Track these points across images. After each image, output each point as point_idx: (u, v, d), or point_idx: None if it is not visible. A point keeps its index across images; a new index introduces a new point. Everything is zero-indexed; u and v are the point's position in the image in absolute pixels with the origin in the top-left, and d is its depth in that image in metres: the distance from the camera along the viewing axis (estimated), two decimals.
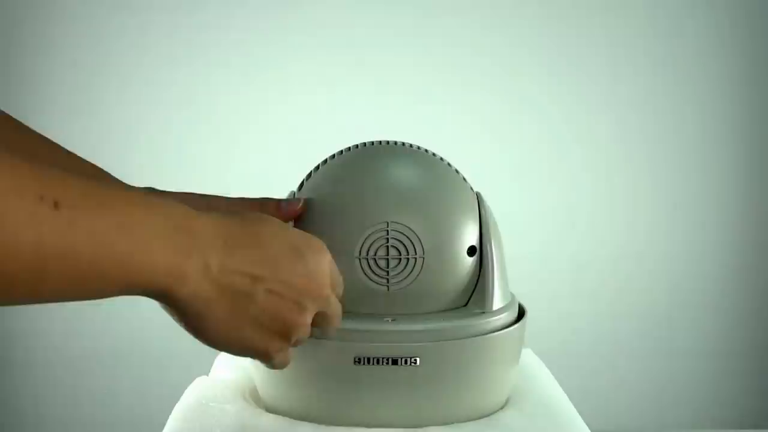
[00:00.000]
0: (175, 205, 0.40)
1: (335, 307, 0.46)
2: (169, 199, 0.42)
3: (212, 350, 0.59)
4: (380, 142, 0.56)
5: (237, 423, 0.52)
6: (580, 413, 0.56)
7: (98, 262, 0.34)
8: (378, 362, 0.49)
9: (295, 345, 0.45)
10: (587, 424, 0.55)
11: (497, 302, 0.54)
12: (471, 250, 0.54)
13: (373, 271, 0.52)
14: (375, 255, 0.52)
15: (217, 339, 0.41)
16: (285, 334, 0.43)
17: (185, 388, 0.59)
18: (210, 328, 0.41)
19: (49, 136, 0.51)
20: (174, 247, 0.38)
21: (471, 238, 0.54)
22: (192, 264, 0.39)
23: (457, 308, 0.54)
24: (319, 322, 0.46)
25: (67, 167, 0.43)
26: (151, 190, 0.51)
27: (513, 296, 0.57)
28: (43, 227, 0.32)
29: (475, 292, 0.54)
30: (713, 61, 1.24)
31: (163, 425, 0.53)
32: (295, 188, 0.56)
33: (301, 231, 0.47)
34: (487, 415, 0.53)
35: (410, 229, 0.52)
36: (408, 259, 0.52)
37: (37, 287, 0.33)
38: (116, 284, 0.36)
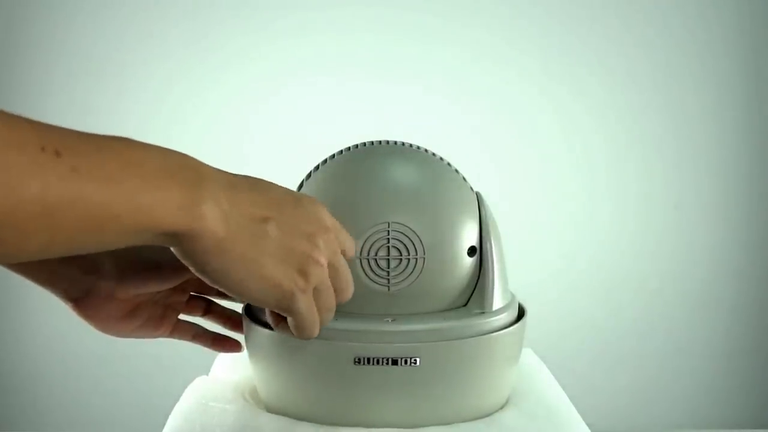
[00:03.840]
0: (171, 149, 0.39)
1: (343, 262, 0.46)
2: None
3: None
4: (380, 142, 0.56)
5: (237, 423, 0.52)
6: (580, 413, 0.56)
7: (109, 205, 0.34)
8: (378, 362, 0.49)
9: (316, 300, 0.45)
10: (587, 424, 0.55)
11: (497, 302, 0.54)
12: (471, 250, 0.54)
13: (373, 272, 0.52)
14: (376, 255, 0.52)
15: (239, 280, 0.41)
16: (303, 270, 0.43)
17: (185, 388, 0.59)
18: (233, 268, 0.40)
19: None
20: (183, 182, 0.37)
21: (471, 238, 0.54)
22: (205, 200, 0.38)
23: (457, 308, 0.54)
24: (332, 278, 0.46)
25: None
26: None
27: (513, 296, 0.57)
28: (47, 176, 0.32)
29: (475, 292, 0.54)
30: (714, 61, 1.24)
31: (163, 425, 0.53)
32: (294, 188, 0.56)
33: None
34: (487, 415, 0.53)
35: (411, 229, 0.52)
36: (409, 259, 0.52)
37: (50, 238, 0.33)
38: (131, 227, 0.36)
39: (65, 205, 0.33)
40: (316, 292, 0.44)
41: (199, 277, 0.41)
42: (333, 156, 0.56)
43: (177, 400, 0.57)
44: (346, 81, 1.21)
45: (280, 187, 0.45)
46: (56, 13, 1.19)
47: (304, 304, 0.44)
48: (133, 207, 0.35)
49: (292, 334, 0.46)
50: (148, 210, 0.36)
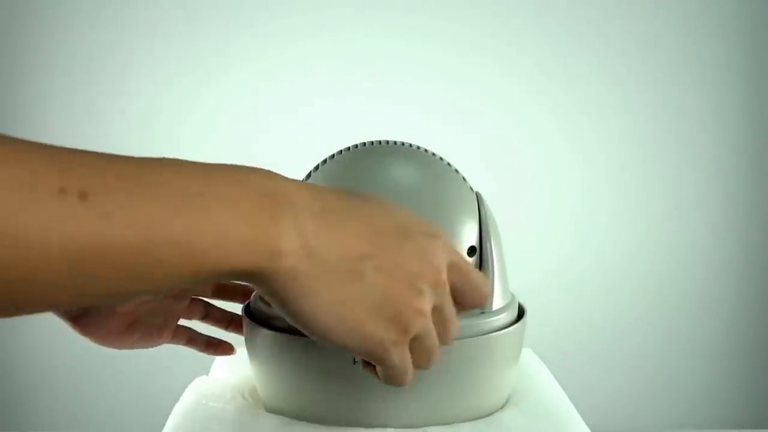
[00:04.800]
0: (253, 170, 0.33)
1: (451, 308, 0.39)
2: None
3: None
4: (380, 142, 0.56)
5: (237, 423, 0.52)
6: (580, 413, 0.56)
7: (152, 251, 0.29)
8: None
9: (415, 349, 0.38)
10: (587, 424, 0.55)
11: (497, 302, 0.54)
12: (471, 250, 0.53)
13: None
14: None
15: (326, 325, 0.35)
16: (401, 322, 0.36)
17: (185, 388, 0.59)
18: (316, 312, 0.34)
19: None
20: (254, 213, 0.31)
21: (471, 238, 0.54)
22: (284, 233, 0.32)
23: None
24: (435, 323, 0.39)
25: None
26: None
27: (513, 296, 0.57)
28: (69, 224, 0.27)
29: None
30: (714, 60, 1.24)
31: (162, 425, 0.53)
32: None
33: (411, 213, 0.40)
34: (487, 415, 0.53)
35: None
36: None
37: (83, 291, 0.29)
38: (185, 273, 0.30)
39: (95, 256, 0.28)
40: (415, 340, 0.38)
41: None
42: (333, 156, 0.56)
43: (177, 400, 0.57)
44: (346, 81, 1.21)
45: (392, 214, 0.38)
46: (56, 13, 1.19)
47: (398, 357, 0.37)
48: (184, 251, 0.30)
49: (379, 377, 0.41)
50: (203, 252, 0.30)
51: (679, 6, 1.23)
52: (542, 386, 0.60)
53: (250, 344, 0.55)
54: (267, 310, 0.52)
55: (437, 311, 0.38)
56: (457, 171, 0.56)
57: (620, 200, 1.25)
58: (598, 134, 1.24)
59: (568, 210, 1.25)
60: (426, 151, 0.56)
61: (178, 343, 0.58)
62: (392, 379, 0.39)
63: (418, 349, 0.38)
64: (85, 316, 0.49)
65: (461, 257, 0.40)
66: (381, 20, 1.21)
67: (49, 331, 1.22)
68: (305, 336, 0.48)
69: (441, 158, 0.56)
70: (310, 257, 0.33)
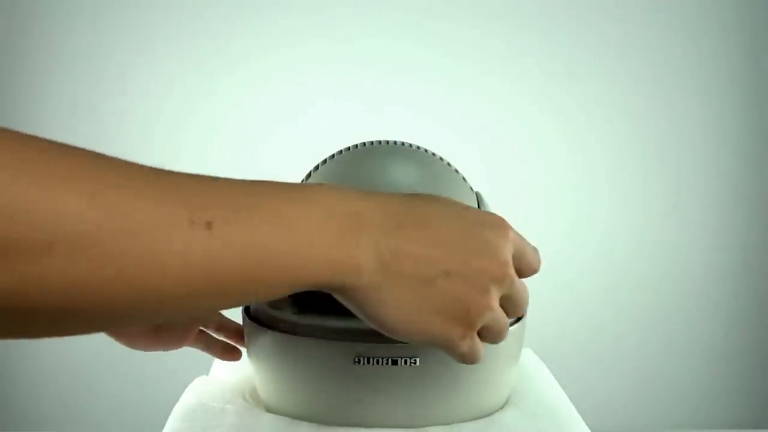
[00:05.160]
0: (334, 190, 0.37)
1: (519, 291, 0.42)
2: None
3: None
4: (380, 142, 0.56)
5: (237, 423, 0.52)
6: (580, 413, 0.56)
7: (253, 271, 0.33)
8: (378, 362, 0.49)
9: (485, 334, 0.41)
10: (587, 424, 0.55)
11: None
12: None
13: None
14: None
15: (399, 327, 0.39)
16: (467, 318, 0.39)
17: (185, 388, 0.59)
18: (391, 318, 0.38)
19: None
20: (339, 236, 0.36)
21: None
22: (363, 252, 0.36)
23: None
24: (505, 307, 0.42)
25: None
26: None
27: None
28: (194, 252, 0.30)
29: None
30: (713, 61, 1.24)
31: (162, 425, 0.53)
32: None
33: (476, 208, 0.43)
34: (487, 415, 0.53)
35: None
36: None
37: (189, 308, 0.32)
38: (277, 288, 0.34)
39: (206, 278, 0.31)
40: (484, 328, 0.41)
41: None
42: (333, 156, 0.56)
43: (177, 400, 0.57)
44: (346, 81, 1.21)
45: (459, 215, 0.41)
46: (57, 13, 1.19)
47: (466, 346, 0.41)
48: (282, 271, 0.34)
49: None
50: (298, 272, 0.34)
51: (678, 7, 1.23)
52: (542, 386, 0.60)
53: (250, 345, 0.55)
54: (267, 311, 0.52)
55: (505, 298, 0.41)
56: (457, 171, 0.56)
57: (619, 200, 1.25)
58: (597, 134, 1.24)
59: (567, 210, 1.25)
60: (426, 151, 0.56)
61: (197, 347, 0.60)
62: (464, 361, 0.42)
63: (488, 333, 0.42)
64: None
65: (522, 239, 0.43)
66: (381, 21, 1.21)
67: None
68: (305, 336, 0.49)
69: (441, 158, 0.56)
70: (386, 272, 0.37)
